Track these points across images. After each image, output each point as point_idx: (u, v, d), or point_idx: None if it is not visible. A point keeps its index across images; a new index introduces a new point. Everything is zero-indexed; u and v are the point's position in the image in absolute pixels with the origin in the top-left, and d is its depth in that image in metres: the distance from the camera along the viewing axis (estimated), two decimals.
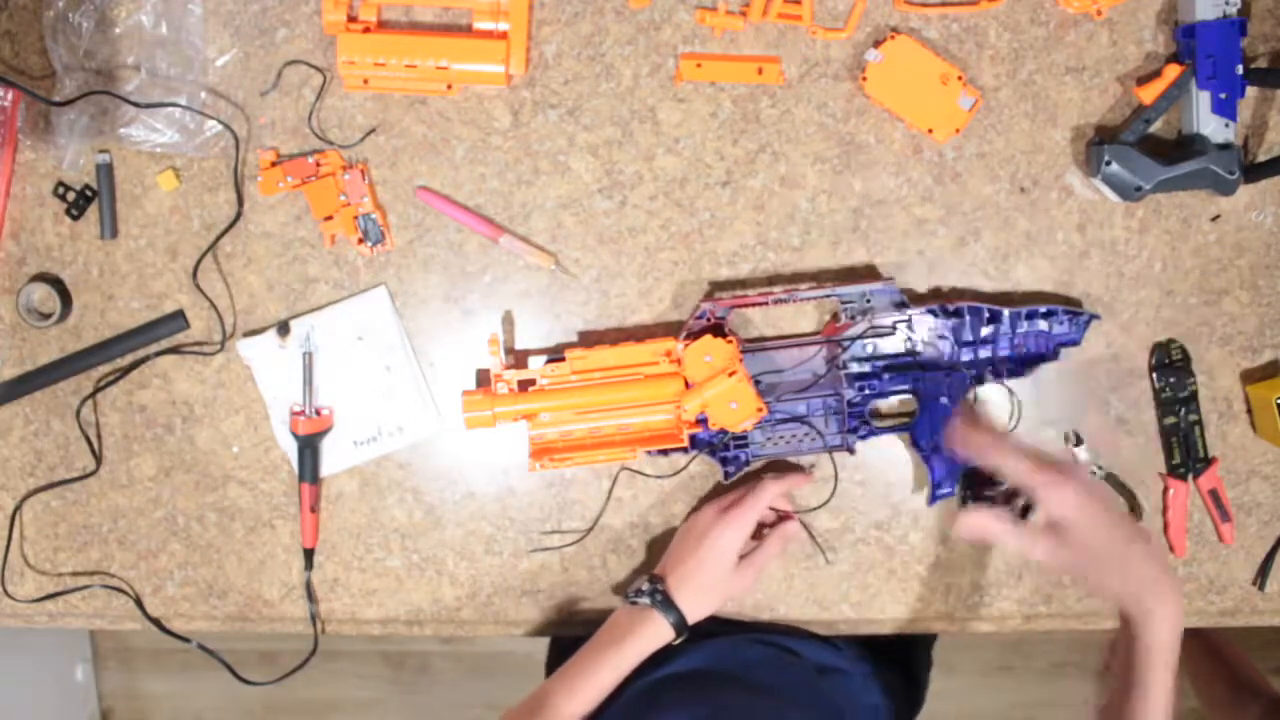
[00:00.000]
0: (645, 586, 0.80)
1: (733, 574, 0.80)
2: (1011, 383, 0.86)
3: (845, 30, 0.84)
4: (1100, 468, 0.87)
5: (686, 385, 0.81)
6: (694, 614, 0.79)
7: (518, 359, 0.87)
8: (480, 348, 0.87)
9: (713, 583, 0.80)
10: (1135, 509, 0.88)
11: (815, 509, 0.88)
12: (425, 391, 0.87)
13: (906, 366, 0.84)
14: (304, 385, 0.85)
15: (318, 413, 0.86)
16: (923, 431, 0.85)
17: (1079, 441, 0.88)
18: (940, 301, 0.84)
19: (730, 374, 0.78)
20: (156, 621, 0.89)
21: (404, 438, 0.87)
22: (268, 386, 0.87)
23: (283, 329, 0.85)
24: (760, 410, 0.79)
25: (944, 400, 0.84)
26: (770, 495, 0.82)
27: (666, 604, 0.78)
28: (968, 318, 0.84)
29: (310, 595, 0.88)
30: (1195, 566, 0.90)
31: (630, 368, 0.82)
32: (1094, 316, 0.85)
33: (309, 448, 0.86)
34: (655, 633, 0.78)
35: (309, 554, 0.87)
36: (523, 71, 0.83)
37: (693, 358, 0.80)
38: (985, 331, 0.84)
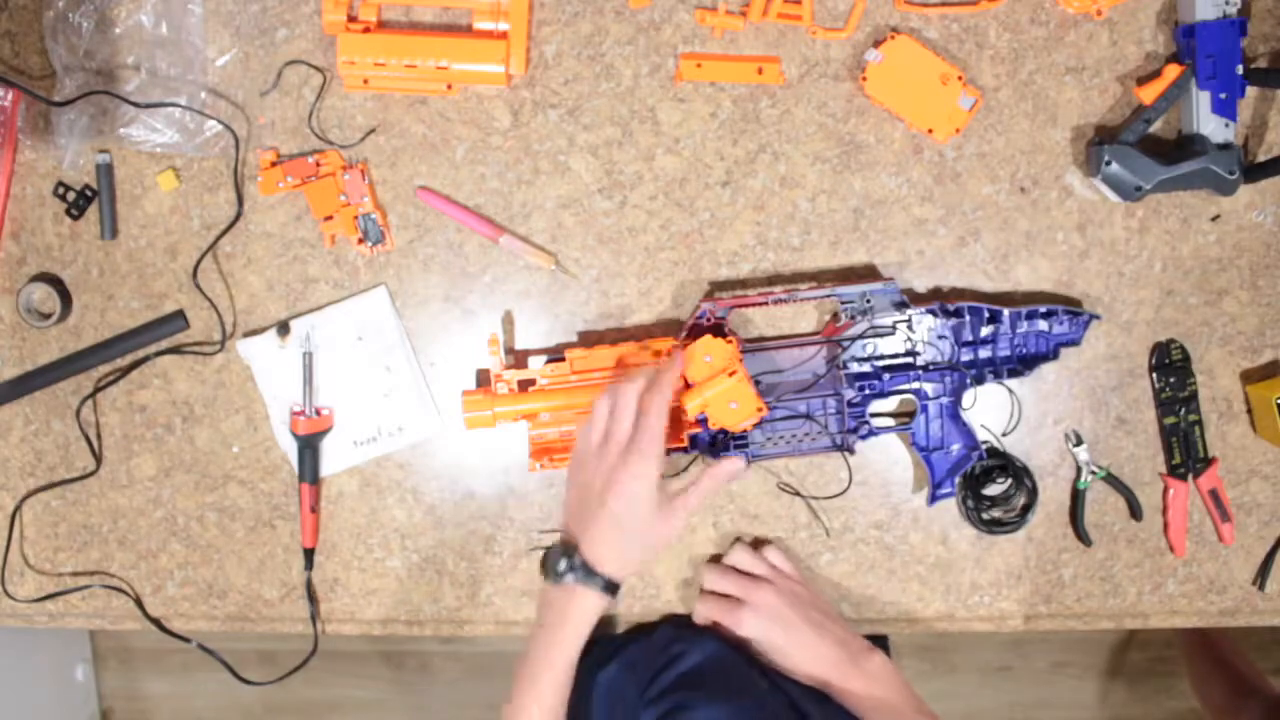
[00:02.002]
0: (563, 565, 0.73)
1: (656, 521, 0.73)
2: (1011, 382, 0.86)
3: (845, 30, 0.84)
4: (1100, 468, 0.87)
5: (687, 385, 0.81)
6: (622, 572, 0.74)
7: (518, 359, 0.87)
8: (480, 348, 0.87)
9: (634, 537, 0.73)
10: (1135, 509, 0.88)
11: (825, 498, 0.88)
12: (425, 391, 0.87)
13: (906, 367, 0.84)
14: (304, 385, 0.85)
15: (318, 413, 0.86)
16: (922, 432, 0.85)
17: (1079, 441, 0.88)
18: (940, 301, 0.84)
19: (730, 374, 0.78)
20: (156, 621, 0.89)
21: (404, 438, 0.87)
22: (268, 386, 0.87)
23: (283, 329, 0.85)
24: (760, 410, 0.79)
25: (945, 400, 0.84)
26: (659, 410, 0.73)
27: (590, 574, 0.73)
28: (968, 318, 0.84)
29: (310, 595, 0.88)
30: (1195, 566, 0.90)
31: (630, 368, 0.82)
32: (1094, 316, 0.85)
33: (309, 448, 0.86)
34: (590, 606, 0.73)
35: (309, 554, 0.87)
36: (523, 71, 0.83)
37: (693, 358, 0.80)
38: (985, 331, 0.84)
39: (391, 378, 0.87)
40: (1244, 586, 0.90)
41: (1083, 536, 0.88)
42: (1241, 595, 0.90)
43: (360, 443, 0.87)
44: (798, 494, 0.87)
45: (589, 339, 0.87)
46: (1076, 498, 0.88)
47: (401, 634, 0.90)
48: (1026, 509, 0.87)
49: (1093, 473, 0.88)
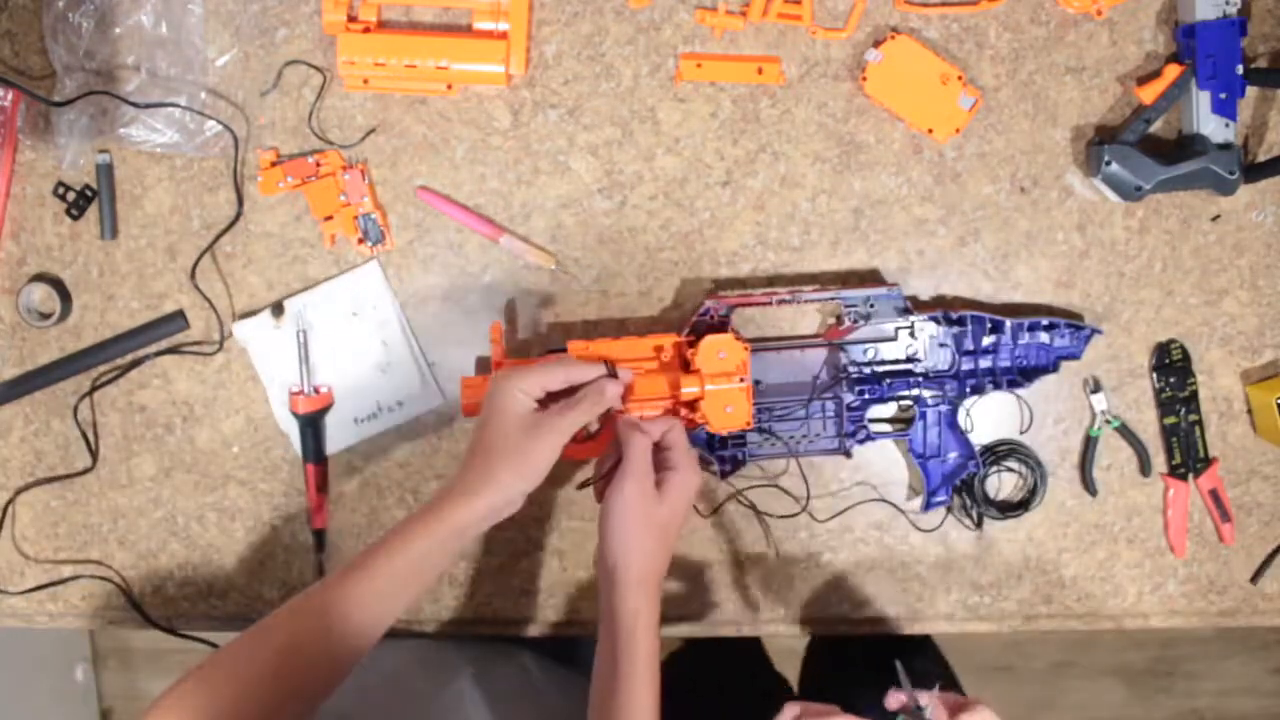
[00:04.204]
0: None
1: (524, 438, 0.69)
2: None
3: (845, 30, 0.84)
4: (1115, 417, 0.87)
5: (688, 369, 0.80)
6: (492, 492, 0.69)
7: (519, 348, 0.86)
8: (480, 346, 0.87)
9: (501, 453, 0.69)
10: (1145, 464, 0.88)
11: (784, 516, 0.87)
12: (422, 365, 0.87)
13: (906, 373, 0.84)
14: (300, 364, 0.85)
15: (316, 391, 0.86)
16: (920, 439, 0.84)
17: (1096, 388, 0.87)
18: (943, 309, 0.84)
19: (741, 379, 0.78)
20: (156, 622, 0.89)
21: (403, 412, 0.87)
22: (265, 368, 0.86)
23: (277, 309, 0.85)
24: (747, 424, 0.79)
25: (943, 408, 0.84)
26: (554, 361, 0.73)
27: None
28: (970, 326, 0.83)
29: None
30: (1195, 566, 0.90)
31: (631, 361, 0.82)
32: (1095, 331, 0.84)
33: (310, 427, 0.85)
34: (461, 517, 0.69)
35: (319, 535, 0.87)
36: (523, 71, 0.83)
37: (707, 350, 0.79)
38: (987, 341, 0.84)
39: (388, 352, 0.86)
40: (1244, 586, 0.90)
41: (1089, 485, 0.88)
42: (1241, 595, 0.90)
43: (361, 419, 0.87)
44: (755, 509, 0.87)
45: (590, 337, 0.86)
46: (1088, 445, 0.88)
47: (401, 634, 0.90)
48: (1032, 494, 0.87)
49: (1107, 421, 0.87)
